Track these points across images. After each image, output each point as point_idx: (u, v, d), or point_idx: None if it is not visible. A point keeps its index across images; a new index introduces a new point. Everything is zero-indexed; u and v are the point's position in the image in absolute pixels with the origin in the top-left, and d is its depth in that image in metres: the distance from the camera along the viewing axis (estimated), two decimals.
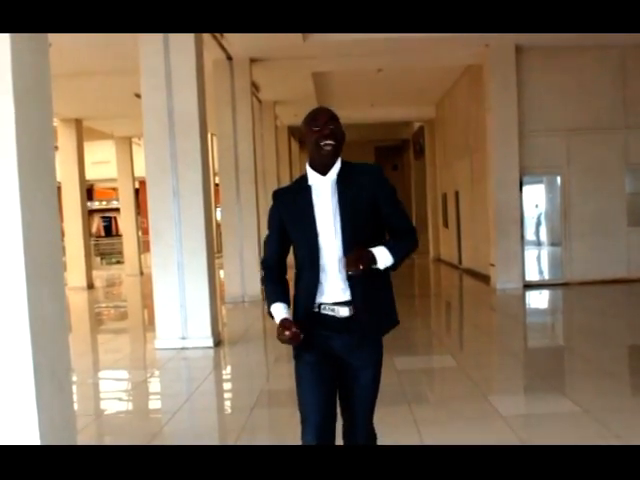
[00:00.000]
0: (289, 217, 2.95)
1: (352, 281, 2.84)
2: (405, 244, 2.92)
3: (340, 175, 2.90)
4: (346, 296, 2.87)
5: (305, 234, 2.89)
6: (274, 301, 2.97)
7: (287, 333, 2.78)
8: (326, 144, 2.84)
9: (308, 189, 2.92)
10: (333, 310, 2.88)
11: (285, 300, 2.98)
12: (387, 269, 2.86)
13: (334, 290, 2.88)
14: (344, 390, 2.98)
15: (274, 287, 3.03)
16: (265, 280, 3.07)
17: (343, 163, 2.94)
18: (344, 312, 2.87)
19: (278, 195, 3.04)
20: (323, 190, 2.90)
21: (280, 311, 2.93)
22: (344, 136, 2.93)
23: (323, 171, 2.90)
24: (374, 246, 2.81)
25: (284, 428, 5.20)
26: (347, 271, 2.76)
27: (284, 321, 2.86)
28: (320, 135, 2.85)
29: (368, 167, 2.98)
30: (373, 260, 2.78)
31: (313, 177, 2.93)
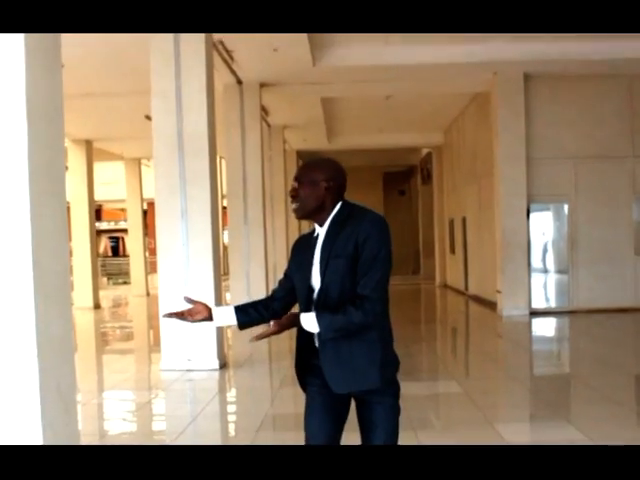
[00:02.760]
0: (294, 265, 2.98)
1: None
2: (342, 317, 2.67)
3: (332, 224, 2.83)
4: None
5: (299, 282, 2.89)
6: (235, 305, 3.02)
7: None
8: (292, 203, 2.89)
9: (316, 239, 2.89)
10: None
11: (238, 310, 2.98)
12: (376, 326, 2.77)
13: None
14: (363, 435, 2.87)
15: (253, 301, 3.09)
16: None
17: (343, 208, 2.86)
18: None
19: (295, 242, 3.09)
20: (320, 240, 2.87)
21: (220, 307, 3.06)
22: (319, 191, 2.83)
23: (319, 222, 2.89)
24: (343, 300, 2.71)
25: None
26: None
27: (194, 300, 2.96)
28: (290, 196, 2.91)
29: (365, 215, 2.79)
30: (295, 323, 2.75)
31: (317, 227, 2.91)
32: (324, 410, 2.85)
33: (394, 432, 2.84)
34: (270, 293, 3.11)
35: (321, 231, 2.88)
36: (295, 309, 2.93)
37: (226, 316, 2.96)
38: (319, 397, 2.86)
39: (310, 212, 2.87)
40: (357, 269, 2.69)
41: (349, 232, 2.73)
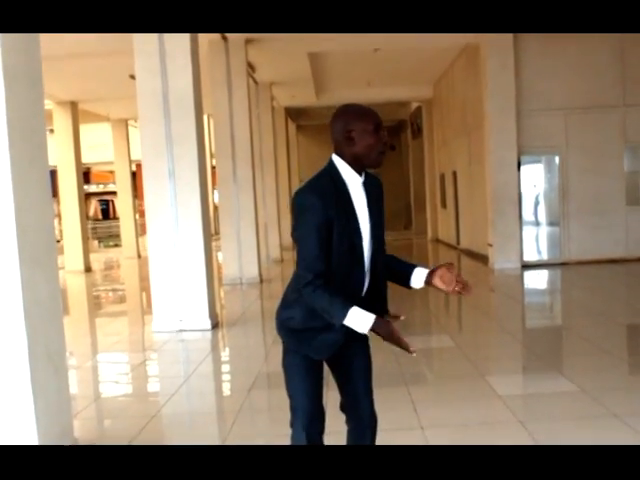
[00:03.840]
0: (337, 216, 2.70)
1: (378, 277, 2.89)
2: None
3: (368, 180, 2.86)
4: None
5: (351, 234, 2.73)
6: (350, 306, 2.67)
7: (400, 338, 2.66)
8: (384, 154, 2.83)
9: (345, 187, 2.77)
10: None
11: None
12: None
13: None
14: (343, 371, 2.96)
15: (339, 296, 2.71)
16: (324, 293, 2.70)
17: None
18: None
19: (320, 194, 2.69)
20: (357, 189, 2.80)
21: (365, 313, 2.68)
22: None
23: (360, 171, 2.80)
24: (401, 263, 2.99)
25: (282, 410, 5.17)
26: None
27: (388, 323, 2.71)
28: (386, 146, 2.82)
29: (373, 176, 2.95)
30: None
31: (350, 175, 2.78)
32: (310, 373, 2.91)
33: (370, 360, 3.02)
34: (319, 276, 2.72)
35: (359, 180, 2.81)
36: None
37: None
38: (305, 361, 2.92)
39: None
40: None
41: (378, 193, 2.91)
